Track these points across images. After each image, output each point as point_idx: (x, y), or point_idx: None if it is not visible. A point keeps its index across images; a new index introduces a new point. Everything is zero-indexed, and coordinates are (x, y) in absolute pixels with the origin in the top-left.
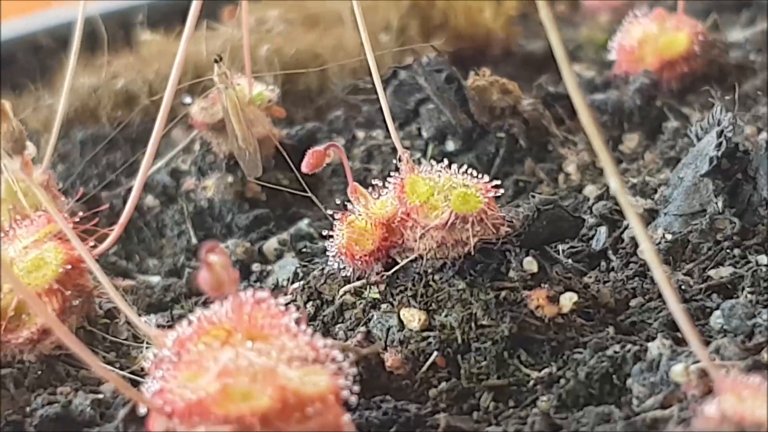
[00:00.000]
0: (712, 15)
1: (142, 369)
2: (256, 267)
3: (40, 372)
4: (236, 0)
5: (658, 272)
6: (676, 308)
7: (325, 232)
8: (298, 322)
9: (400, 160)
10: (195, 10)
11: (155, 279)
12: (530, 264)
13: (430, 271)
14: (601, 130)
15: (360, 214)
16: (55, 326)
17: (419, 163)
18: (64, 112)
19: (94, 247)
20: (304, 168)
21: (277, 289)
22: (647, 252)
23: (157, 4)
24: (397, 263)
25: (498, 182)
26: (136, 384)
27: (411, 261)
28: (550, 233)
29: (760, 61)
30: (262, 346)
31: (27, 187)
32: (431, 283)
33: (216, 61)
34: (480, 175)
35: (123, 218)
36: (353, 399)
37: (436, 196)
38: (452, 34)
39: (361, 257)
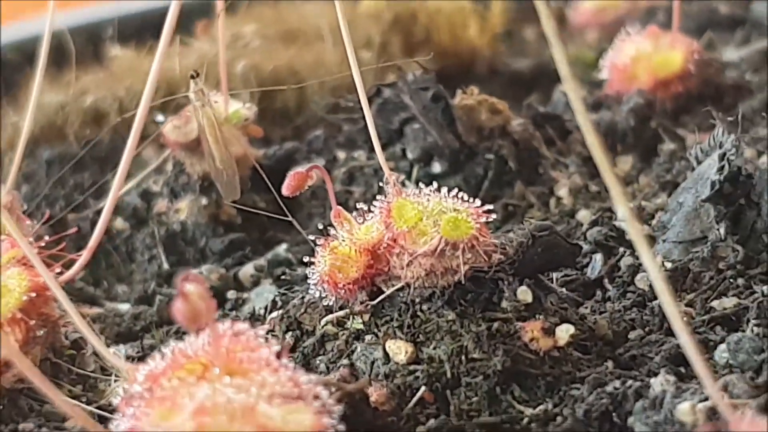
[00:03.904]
0: (707, 33)
1: (110, 404)
2: (231, 294)
3: (1, 407)
4: (210, 14)
5: (669, 307)
6: (687, 343)
7: (304, 258)
8: (279, 355)
9: (385, 183)
10: (170, 22)
11: (124, 306)
12: (524, 294)
13: (417, 300)
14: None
15: (343, 240)
16: (16, 358)
17: (404, 185)
18: (30, 130)
19: (61, 273)
20: (284, 190)
21: (253, 318)
22: (658, 285)
23: (128, 18)
24: (383, 292)
25: (490, 206)
26: (104, 420)
27: (398, 290)
28: (545, 261)
29: (756, 82)
30: (241, 382)
31: None
32: (419, 313)
33: (192, 77)
34: (470, 199)
35: (91, 243)
36: None
37: (425, 221)
38: (436, 50)
39: (344, 285)
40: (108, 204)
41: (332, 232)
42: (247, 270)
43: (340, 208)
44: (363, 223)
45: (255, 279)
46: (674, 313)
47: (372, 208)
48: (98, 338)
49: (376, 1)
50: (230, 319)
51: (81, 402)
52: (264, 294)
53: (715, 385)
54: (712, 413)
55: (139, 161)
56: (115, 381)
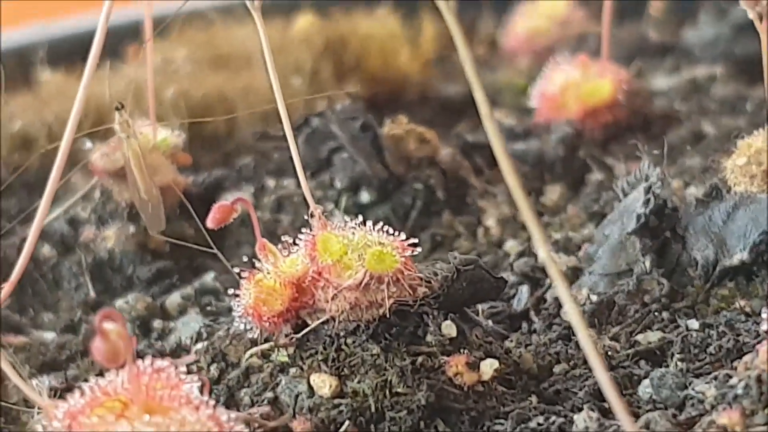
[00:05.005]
0: (636, 62)
1: None
2: (157, 324)
3: None
4: (141, 38)
5: (585, 339)
6: (603, 378)
7: (231, 288)
8: (201, 391)
9: (311, 216)
10: (96, 49)
11: (50, 335)
12: (449, 328)
13: (342, 334)
14: (521, 183)
15: (268, 272)
16: None
17: (332, 214)
18: None
19: None
20: (209, 223)
21: (179, 349)
22: (573, 317)
23: (58, 42)
24: (308, 325)
25: (415, 240)
26: None
27: (322, 323)
28: (470, 295)
29: (685, 110)
30: (160, 420)
31: None
32: (343, 347)
33: (117, 109)
34: (396, 231)
35: (15, 273)
36: None
37: (350, 254)
38: (367, 77)
39: (269, 318)
40: (33, 231)
41: (257, 264)
42: (173, 299)
43: (264, 240)
44: (288, 255)
45: (182, 308)
46: (592, 353)
47: (297, 241)
48: (16, 371)
49: (307, 26)
50: (155, 349)
51: None
52: (190, 324)
53: (637, 422)
54: None
55: (67, 188)
56: (38, 414)
